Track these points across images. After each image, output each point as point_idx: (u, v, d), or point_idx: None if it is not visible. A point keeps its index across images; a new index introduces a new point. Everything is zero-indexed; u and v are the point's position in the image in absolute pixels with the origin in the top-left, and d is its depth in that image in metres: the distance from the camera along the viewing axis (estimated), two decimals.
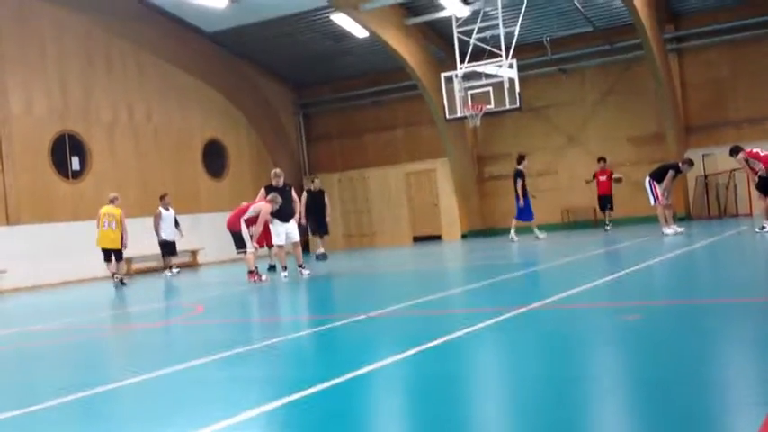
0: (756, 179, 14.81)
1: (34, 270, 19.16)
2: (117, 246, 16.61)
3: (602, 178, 20.25)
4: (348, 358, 5.77)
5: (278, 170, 14.34)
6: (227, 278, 16.52)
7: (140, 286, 16.64)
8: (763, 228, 14.46)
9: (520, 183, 19.40)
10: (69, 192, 20.47)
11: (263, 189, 14.20)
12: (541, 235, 19.59)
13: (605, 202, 20.45)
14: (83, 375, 6.18)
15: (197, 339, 7.66)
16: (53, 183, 20.19)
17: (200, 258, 23.39)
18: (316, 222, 18.28)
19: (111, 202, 16.89)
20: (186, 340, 7.83)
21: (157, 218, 18.90)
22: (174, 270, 19.14)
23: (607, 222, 20.55)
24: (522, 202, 19.46)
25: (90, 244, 20.38)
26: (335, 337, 6.92)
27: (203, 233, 23.41)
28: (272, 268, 15.86)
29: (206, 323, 9.10)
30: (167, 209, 19.05)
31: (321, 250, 18.26)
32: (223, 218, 23.13)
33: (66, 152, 20.72)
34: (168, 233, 18.98)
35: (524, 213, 19.61)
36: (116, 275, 16.59)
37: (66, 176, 20.63)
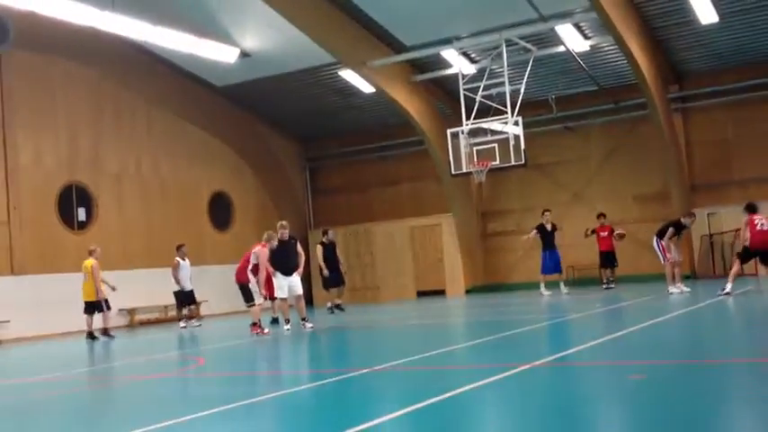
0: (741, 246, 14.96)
1: (38, 320, 19.08)
2: (91, 298, 16.56)
3: (603, 234, 20.19)
4: (346, 414, 5.70)
5: (284, 222, 14.38)
6: (229, 331, 16.43)
7: (142, 338, 16.54)
8: (725, 290, 14.28)
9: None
10: (75, 242, 20.50)
11: (261, 247, 13.97)
12: (546, 292, 19.54)
13: (607, 258, 20.31)
14: (77, 429, 6.10)
15: (196, 393, 7.58)
16: (59, 233, 20.25)
17: (203, 310, 23.29)
18: (334, 275, 18.43)
19: (90, 254, 16.82)
20: (185, 393, 7.75)
21: (176, 267, 18.51)
22: (195, 322, 18.82)
23: (611, 279, 20.35)
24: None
25: None
26: (335, 392, 6.84)
27: (208, 285, 23.36)
28: (274, 321, 15.85)
29: (206, 376, 9.02)
30: (184, 258, 18.93)
31: (338, 301, 18.56)
32: (228, 270, 23.10)
33: (73, 203, 20.83)
34: (186, 283, 18.75)
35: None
36: (95, 330, 16.60)
37: (72, 227, 20.70)
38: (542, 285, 19.77)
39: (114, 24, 17.67)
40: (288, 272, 13.80)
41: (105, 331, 16.73)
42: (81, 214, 21.00)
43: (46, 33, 19.39)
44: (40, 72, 20.27)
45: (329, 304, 18.67)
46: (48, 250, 19.84)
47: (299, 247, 14.26)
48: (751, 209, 15.38)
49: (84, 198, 21.13)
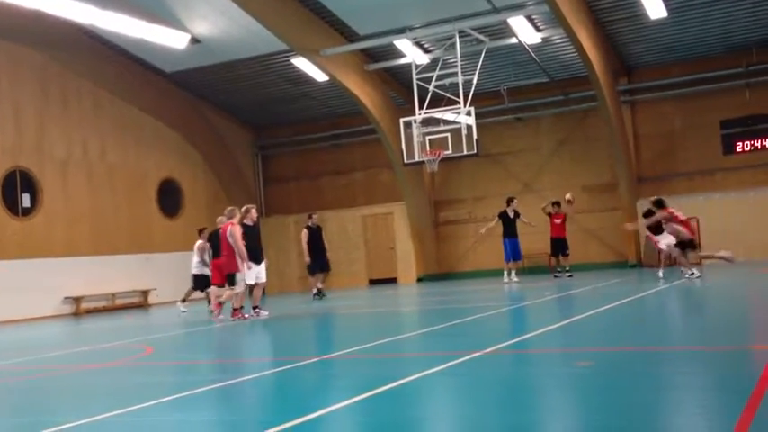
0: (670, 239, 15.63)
1: None
2: None
3: (557, 221, 20.24)
4: (299, 403, 5.68)
5: (252, 206, 14.03)
6: (179, 319, 16.24)
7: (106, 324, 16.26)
8: (693, 274, 15.11)
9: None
10: (19, 229, 20.06)
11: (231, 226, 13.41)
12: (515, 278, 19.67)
13: (558, 245, 20.25)
14: (25, 417, 5.99)
15: (146, 381, 7.49)
16: (2, 219, 19.78)
17: (151, 299, 23.01)
18: (320, 260, 18.34)
19: None
20: (135, 382, 7.65)
21: (203, 250, 16.65)
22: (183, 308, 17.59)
23: (565, 268, 20.16)
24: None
25: (39, 282, 19.95)
26: (288, 380, 6.82)
27: (156, 273, 23.09)
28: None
29: (155, 365, 8.91)
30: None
31: (320, 286, 18.50)
32: (176, 258, 22.88)
33: (17, 188, 20.35)
34: (204, 267, 17.25)
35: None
36: None
37: (17, 213, 20.23)
38: (506, 273, 19.77)
39: (59, 7, 17.28)
40: (259, 260, 13.53)
41: None
42: (25, 200, 20.54)
43: None
44: None
45: (314, 290, 18.58)
46: None
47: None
48: (660, 204, 15.83)
49: (29, 184, 20.66)
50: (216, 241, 14.87)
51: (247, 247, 13.26)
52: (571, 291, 15.43)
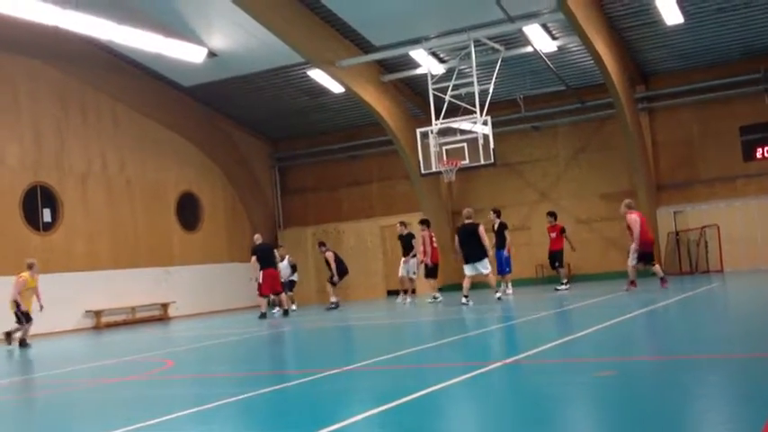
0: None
1: (1, 323, 18.72)
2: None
3: (552, 235, 19.49)
4: (320, 415, 5.67)
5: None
6: (198, 332, 16.29)
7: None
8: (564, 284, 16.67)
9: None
10: (40, 244, 20.21)
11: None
12: (509, 291, 18.82)
13: (555, 258, 19.39)
14: (53, 431, 6.02)
15: (168, 394, 7.51)
16: (23, 235, 19.93)
17: (171, 312, 23.10)
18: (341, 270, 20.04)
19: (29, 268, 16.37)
20: (157, 395, 7.67)
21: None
22: (293, 306, 20.45)
23: (561, 281, 19.29)
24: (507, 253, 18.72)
25: (60, 296, 20.08)
26: (309, 392, 6.81)
27: (175, 286, 23.20)
28: (263, 316, 17.83)
29: (177, 378, 8.93)
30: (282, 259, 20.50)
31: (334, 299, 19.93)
32: (196, 271, 23.19)
33: (38, 204, 20.52)
34: (284, 273, 20.37)
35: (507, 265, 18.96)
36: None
37: (38, 228, 20.39)
38: (504, 285, 19.01)
39: (77, 23, 17.44)
40: None
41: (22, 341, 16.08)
42: (46, 215, 20.70)
43: (8, 32, 19.09)
44: (2, 71, 19.95)
45: (333, 299, 19.96)
46: (11, 252, 19.48)
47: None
48: (630, 206, 16.16)
49: (50, 199, 20.83)
50: (266, 253, 18.42)
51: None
52: (588, 300, 15.31)
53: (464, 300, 16.04)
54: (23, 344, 15.89)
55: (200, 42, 21.07)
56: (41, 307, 16.06)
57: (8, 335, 16.36)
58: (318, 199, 28.01)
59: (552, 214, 19.74)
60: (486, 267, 16.24)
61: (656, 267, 16.40)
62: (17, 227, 19.81)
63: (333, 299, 19.93)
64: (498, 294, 16.77)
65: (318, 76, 22.61)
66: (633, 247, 15.94)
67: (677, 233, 22.81)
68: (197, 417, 5.87)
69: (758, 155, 22.21)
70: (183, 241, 24.55)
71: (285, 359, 10.55)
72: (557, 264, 19.42)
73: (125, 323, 21.54)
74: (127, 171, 22.97)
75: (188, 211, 25.02)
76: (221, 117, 26.45)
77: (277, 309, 19.62)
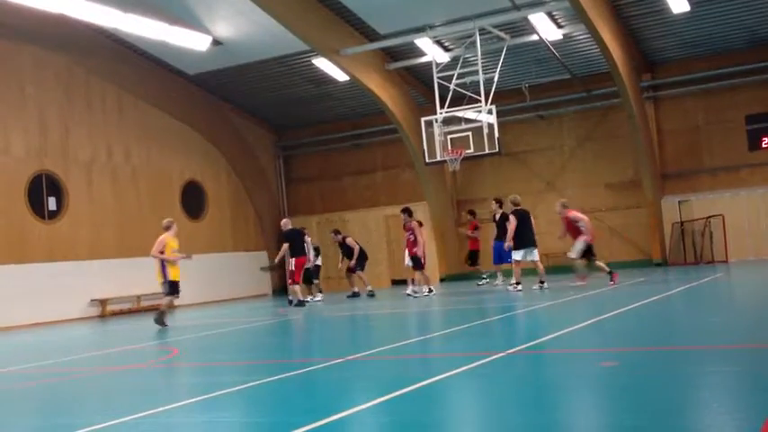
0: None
1: (7, 312, 18.84)
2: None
3: (470, 233, 19.89)
4: (325, 404, 5.69)
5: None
6: (205, 320, 16.33)
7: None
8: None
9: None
10: (45, 232, 20.26)
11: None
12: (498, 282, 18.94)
13: (474, 257, 19.83)
14: (56, 419, 6.05)
15: (174, 382, 7.54)
16: (29, 223, 19.98)
17: (176, 300, 23.07)
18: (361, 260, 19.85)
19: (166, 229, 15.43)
20: (163, 383, 7.71)
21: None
22: (318, 296, 19.72)
23: (483, 277, 19.59)
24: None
25: (65, 284, 20.12)
26: (314, 381, 6.83)
27: (180, 274, 23.19)
28: (300, 303, 17.40)
29: (183, 366, 8.97)
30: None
31: (368, 287, 19.64)
32: (201, 259, 23.15)
33: (43, 192, 20.56)
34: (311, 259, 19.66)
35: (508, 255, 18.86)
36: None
37: (43, 217, 20.44)
38: (498, 276, 19.11)
39: (83, 11, 17.43)
40: None
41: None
42: (51, 204, 20.74)
43: (14, 21, 19.09)
44: (7, 59, 19.94)
45: (369, 288, 19.52)
46: (17, 240, 19.57)
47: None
48: (566, 205, 16.40)
49: (55, 187, 20.87)
50: (298, 241, 18.01)
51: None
52: (598, 290, 15.33)
53: (518, 287, 16.02)
54: (160, 320, 14.51)
55: (204, 30, 21.04)
56: (190, 256, 15.47)
57: (161, 314, 14.77)
58: (323, 188, 28.02)
59: (472, 212, 20.49)
60: (536, 255, 16.42)
61: (601, 263, 16.44)
62: (22, 215, 19.85)
63: (368, 287, 19.48)
64: (509, 287, 16.53)
65: (323, 64, 22.58)
66: (583, 240, 15.89)
67: (682, 223, 22.77)
68: (203, 405, 5.90)
69: (764, 144, 22.14)
70: (188, 229, 24.54)
71: (289, 348, 10.57)
72: (471, 262, 20.17)
73: (130, 312, 21.61)
74: (132, 159, 22.99)
75: (193, 199, 25.04)
76: (226, 105, 26.44)
77: (310, 297, 19.26)
